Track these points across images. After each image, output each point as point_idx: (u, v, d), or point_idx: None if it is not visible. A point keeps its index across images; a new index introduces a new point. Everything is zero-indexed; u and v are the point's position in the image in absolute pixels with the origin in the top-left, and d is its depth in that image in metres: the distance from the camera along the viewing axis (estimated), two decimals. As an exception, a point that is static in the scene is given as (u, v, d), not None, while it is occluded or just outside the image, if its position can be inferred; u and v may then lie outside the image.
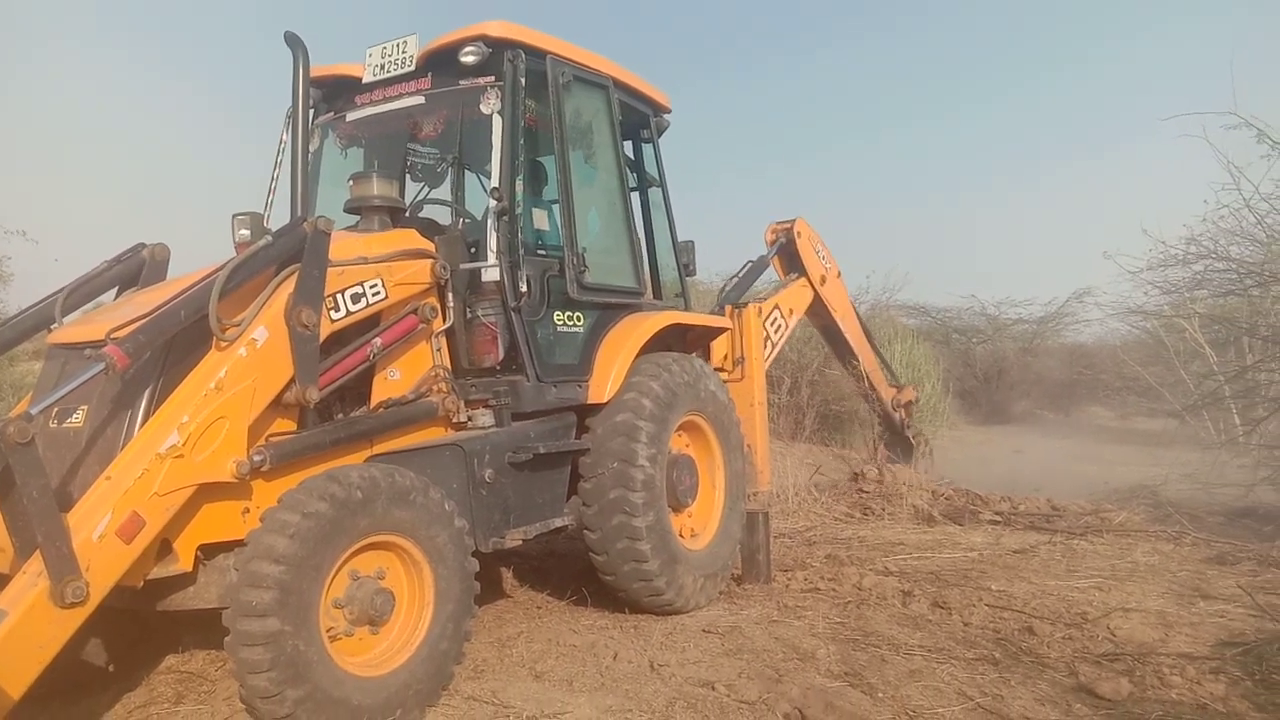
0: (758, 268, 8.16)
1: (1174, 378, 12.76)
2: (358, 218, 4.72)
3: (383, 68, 4.97)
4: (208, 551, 3.53)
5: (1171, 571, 6.01)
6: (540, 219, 5.07)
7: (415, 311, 4.31)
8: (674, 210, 6.14)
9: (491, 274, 4.52)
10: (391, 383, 4.32)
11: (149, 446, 3.21)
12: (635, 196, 5.95)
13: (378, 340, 4.11)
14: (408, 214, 5.12)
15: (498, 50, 4.68)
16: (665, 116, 6.17)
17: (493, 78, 4.69)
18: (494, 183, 4.61)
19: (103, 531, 3.01)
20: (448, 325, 4.54)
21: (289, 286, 3.66)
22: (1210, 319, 11.58)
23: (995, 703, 3.78)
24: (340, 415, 4.22)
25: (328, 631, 3.31)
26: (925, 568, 6.23)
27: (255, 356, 3.51)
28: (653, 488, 4.85)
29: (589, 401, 4.93)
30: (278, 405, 3.67)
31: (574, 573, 5.67)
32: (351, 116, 5.24)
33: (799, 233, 8.27)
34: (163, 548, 3.36)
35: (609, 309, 5.22)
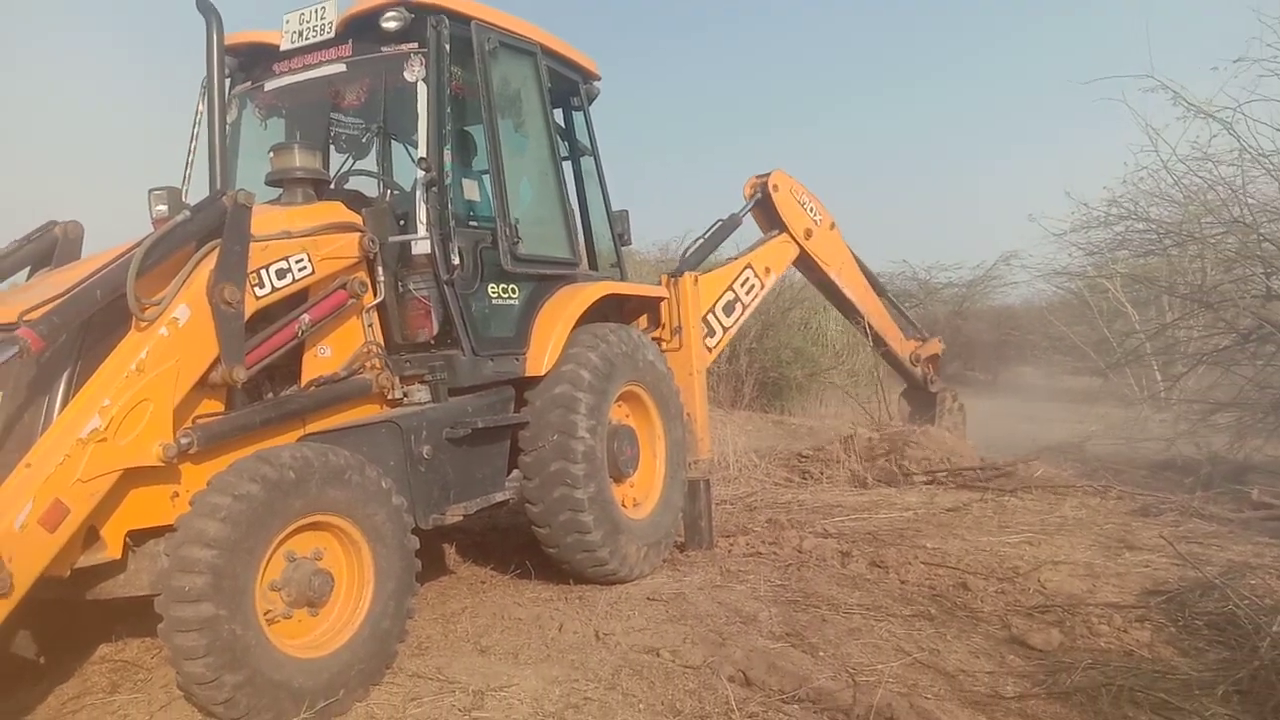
0: (728, 226, 7.78)
1: (1098, 336, 13.13)
2: (280, 191, 4.58)
3: (301, 34, 4.81)
4: (137, 538, 3.44)
5: (1098, 524, 6.22)
6: (470, 189, 4.99)
7: (344, 286, 4.21)
8: (608, 180, 6.09)
9: (422, 247, 4.44)
10: (322, 360, 4.22)
11: (69, 431, 3.10)
12: (568, 166, 5.88)
13: (306, 317, 4.01)
14: (333, 186, 4.99)
15: (420, 16, 4.55)
16: (595, 84, 6.09)
17: (416, 44, 4.57)
18: (421, 153, 4.50)
19: (24, 520, 2.91)
20: (379, 300, 4.45)
21: (210, 263, 3.55)
22: (1131, 278, 11.94)
23: (932, 657, 3.87)
24: (270, 395, 4.12)
25: (265, 614, 3.25)
26: (863, 529, 6.35)
27: (177, 336, 3.40)
28: (593, 459, 4.84)
29: (526, 374, 4.88)
30: (204, 386, 3.57)
31: (517, 546, 5.66)
32: (270, 86, 5.06)
33: (775, 186, 7.84)
34: (89, 535, 3.26)
35: (544, 280, 5.16)
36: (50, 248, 4.26)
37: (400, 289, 4.56)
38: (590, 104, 6.03)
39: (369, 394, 4.36)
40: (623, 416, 5.45)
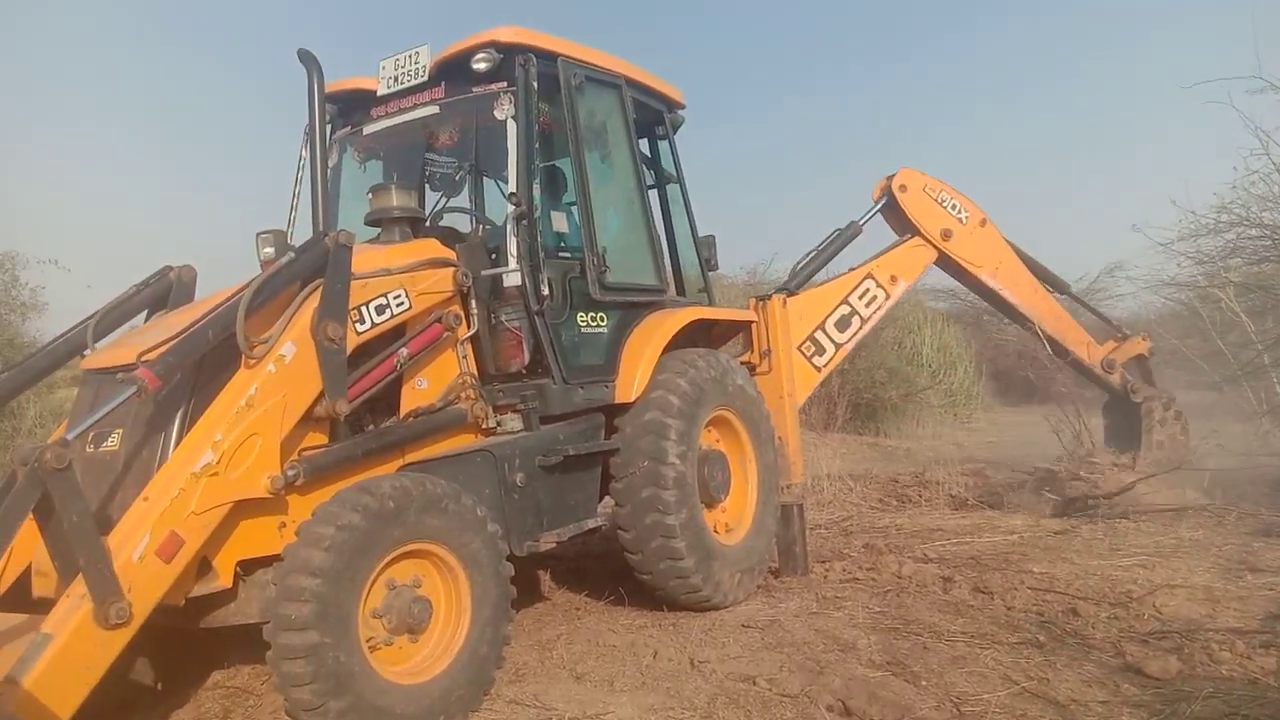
0: (846, 235, 7.19)
1: (1212, 349, 12.51)
2: (379, 230, 4.75)
3: (396, 79, 5.00)
4: (247, 567, 3.58)
5: (1217, 546, 5.92)
6: (559, 221, 5.07)
7: (440, 320, 4.32)
8: (694, 206, 6.11)
9: (513, 279, 4.53)
10: (420, 392, 4.34)
11: (184, 466, 3.25)
12: (654, 194, 5.93)
13: (404, 350, 4.13)
14: (428, 223, 5.15)
15: (509, 55, 4.69)
16: (680, 112, 6.14)
17: (505, 83, 4.70)
18: (511, 188, 4.62)
19: (143, 552, 3.05)
20: (472, 332, 4.56)
21: (314, 301, 3.69)
22: (1245, 287, 11.35)
23: (1041, 686, 3.73)
24: (371, 426, 4.25)
25: (367, 641, 3.34)
26: (965, 553, 6.18)
27: (284, 372, 3.55)
28: (684, 485, 4.84)
29: (616, 401, 4.92)
30: (309, 419, 3.71)
31: (611, 572, 5.67)
32: (368, 130, 5.27)
33: (902, 186, 7.23)
34: (202, 565, 3.40)
35: (632, 308, 5.21)
36: (165, 291, 4.52)
37: (493, 321, 4.66)
38: (675, 132, 6.08)
39: (464, 424, 4.46)
40: (713, 441, 5.44)
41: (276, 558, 3.35)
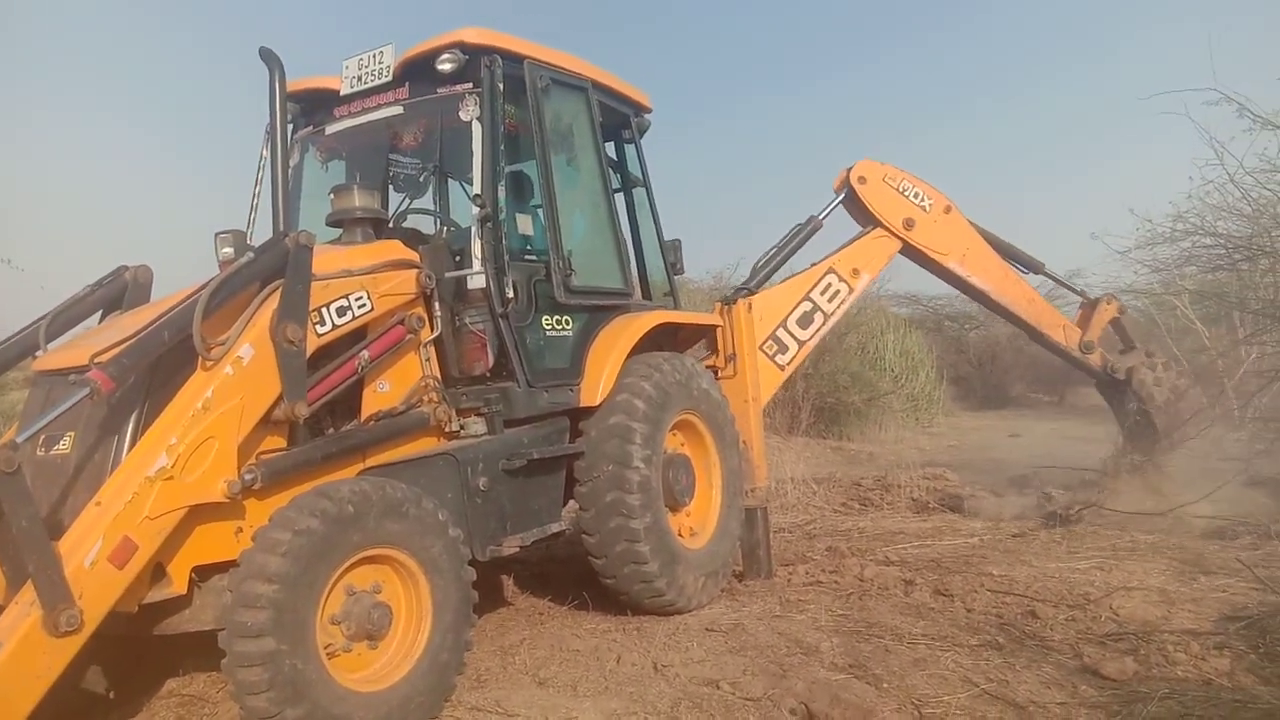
0: (806, 230, 7.09)
1: (1167, 355, 12.76)
2: (341, 231, 4.70)
3: (360, 79, 4.95)
4: (202, 573, 3.51)
5: (1171, 548, 6.02)
6: (524, 224, 5.04)
7: (402, 322, 4.28)
8: (665, 209, 6.12)
9: (477, 281, 4.50)
10: (381, 395, 4.30)
11: (138, 470, 3.19)
12: (620, 197, 5.93)
13: (365, 353, 4.09)
14: (391, 225, 5.10)
15: (474, 57, 4.66)
16: (646, 116, 6.15)
17: (470, 84, 4.67)
18: (476, 190, 4.59)
19: (94, 558, 2.99)
20: (436, 335, 4.52)
21: (273, 303, 3.64)
22: (1200, 295, 11.59)
23: (1000, 688, 3.76)
24: (331, 430, 4.20)
25: (325, 648, 3.29)
26: (926, 556, 6.23)
27: (242, 374, 3.49)
28: (649, 489, 4.84)
29: (581, 405, 4.91)
30: (267, 423, 3.65)
31: (575, 577, 5.65)
32: (331, 129, 5.22)
33: (861, 177, 7.11)
34: (156, 571, 3.34)
35: (598, 311, 5.20)
36: (121, 292, 4.42)
37: (456, 323, 4.63)
38: (641, 136, 6.08)
39: (427, 427, 4.42)
40: (678, 445, 5.44)
41: (233, 563, 3.29)
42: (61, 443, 3.45)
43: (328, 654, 3.29)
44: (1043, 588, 5.13)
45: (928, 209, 7.34)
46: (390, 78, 4.86)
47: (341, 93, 5.03)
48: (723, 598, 5.41)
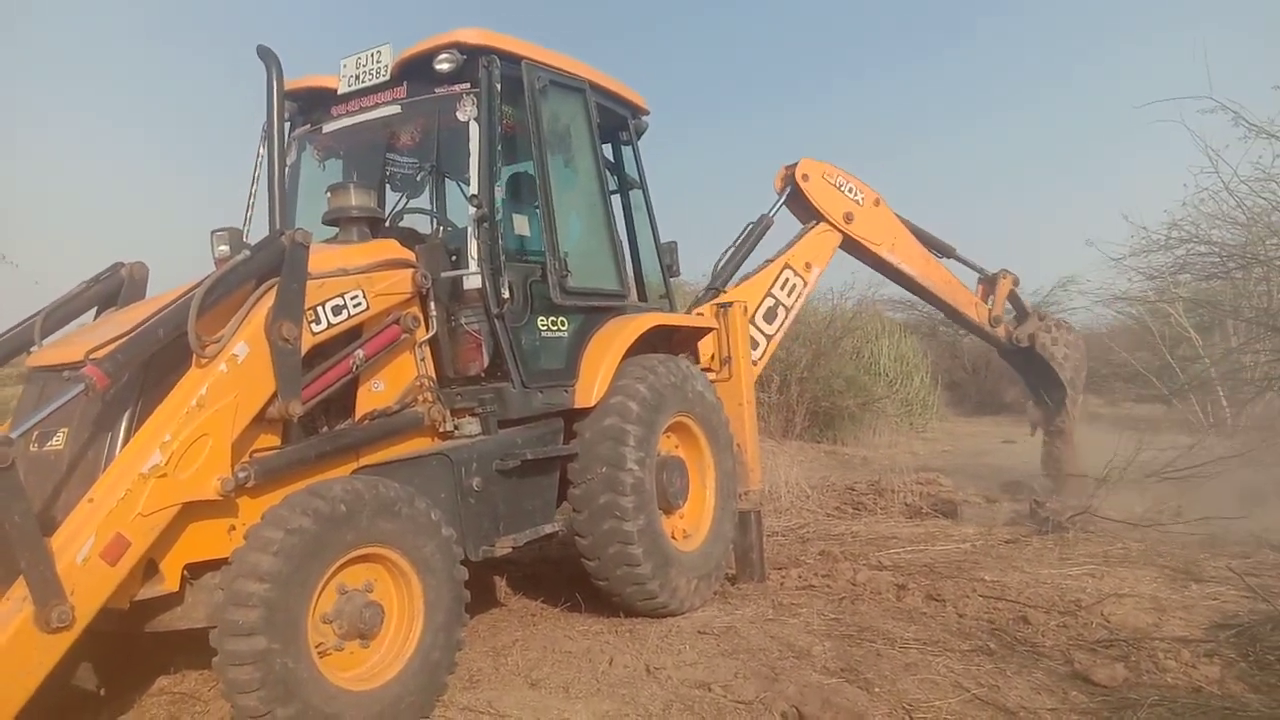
0: (759, 228, 7.38)
1: (1161, 363, 12.81)
2: (337, 230, 4.69)
3: (357, 78, 4.95)
4: (194, 571, 3.50)
5: (1163, 556, 6.04)
6: (521, 224, 5.05)
7: (398, 321, 4.28)
8: (656, 211, 6.13)
9: (473, 281, 4.51)
10: (376, 394, 4.29)
11: (131, 466, 3.18)
12: (616, 199, 5.93)
13: (360, 352, 4.09)
14: (387, 224, 5.10)
15: (472, 57, 4.66)
16: (644, 118, 6.16)
17: (468, 84, 4.67)
18: (473, 190, 4.59)
19: (87, 554, 2.98)
20: (431, 334, 4.52)
21: (269, 301, 3.63)
22: (1195, 303, 11.65)
23: (992, 693, 3.77)
24: (325, 428, 4.19)
25: (317, 647, 3.29)
26: (918, 561, 6.24)
27: (236, 372, 3.48)
28: (642, 491, 4.84)
29: (576, 406, 4.91)
30: (261, 421, 3.64)
31: (567, 578, 5.65)
32: (328, 128, 5.21)
33: (804, 175, 7.40)
34: (149, 568, 3.33)
35: (593, 313, 5.20)
36: (117, 288, 4.42)
37: (452, 323, 4.63)
38: (639, 138, 6.09)
39: (421, 427, 4.41)
40: (672, 448, 5.44)
41: (225, 561, 3.29)
42: (55, 439, 3.44)
43: (319, 653, 3.29)
44: (1035, 594, 5.14)
45: (860, 202, 7.74)
46: (388, 77, 4.86)
47: (339, 91, 5.03)
48: (715, 600, 5.41)
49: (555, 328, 4.94)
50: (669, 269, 6.21)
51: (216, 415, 3.40)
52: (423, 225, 5.36)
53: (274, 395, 3.60)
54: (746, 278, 7.20)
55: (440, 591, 3.68)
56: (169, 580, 3.38)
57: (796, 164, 7.49)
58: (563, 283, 4.83)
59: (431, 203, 5.61)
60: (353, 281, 4.10)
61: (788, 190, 7.53)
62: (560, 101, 5.22)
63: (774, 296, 7.15)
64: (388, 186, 5.51)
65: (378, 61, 4.89)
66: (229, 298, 3.61)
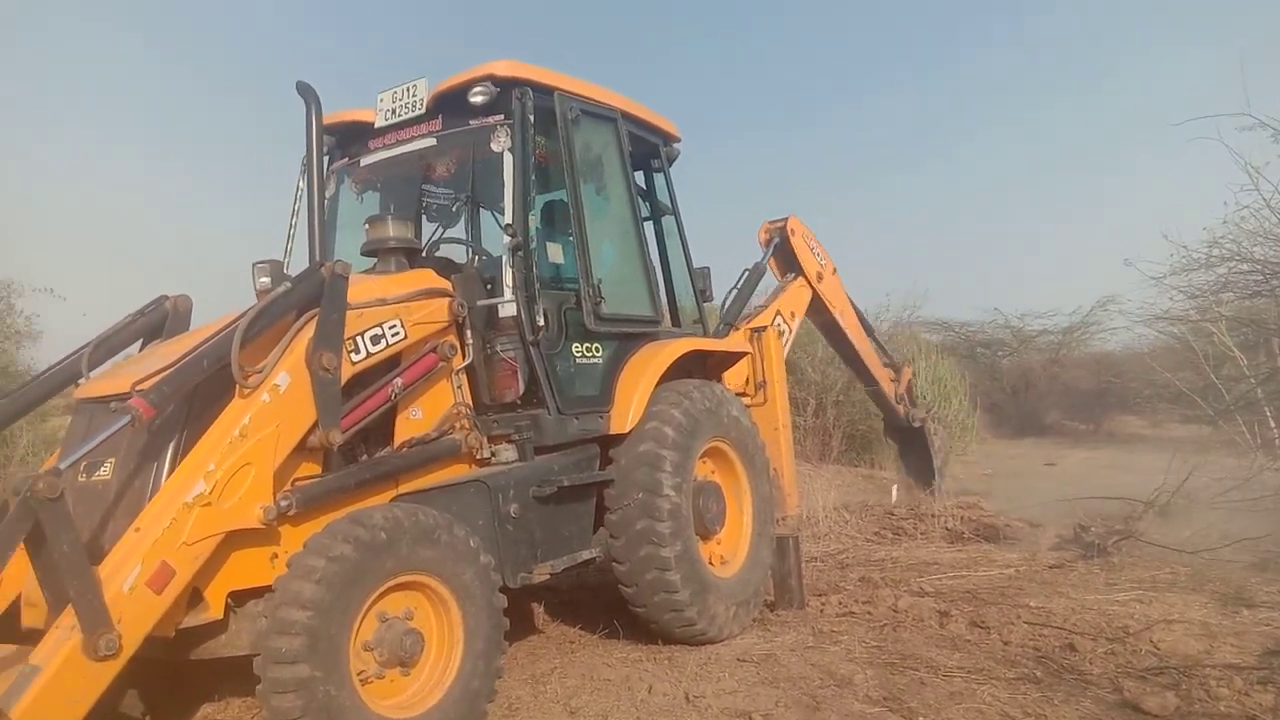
0: (755, 274, 7.91)
1: (1205, 382, 12.56)
2: (375, 260, 4.77)
3: (394, 112, 5.04)
4: (238, 598, 3.55)
5: (1213, 581, 5.89)
6: (555, 253, 5.09)
7: (435, 350, 4.32)
8: (690, 237, 6.15)
9: (508, 309, 4.55)
10: (414, 422, 4.33)
11: (176, 496, 3.23)
12: (649, 226, 5.96)
13: (399, 380, 4.13)
14: (424, 254, 5.16)
15: (506, 89, 4.73)
16: (675, 145, 6.20)
17: (502, 116, 4.74)
18: (507, 219, 4.64)
19: (133, 583, 3.03)
20: (467, 362, 4.57)
21: (309, 331, 3.69)
22: (1238, 321, 11.42)
23: (1038, 722, 3.70)
24: (365, 456, 4.23)
25: (359, 675, 3.30)
26: (961, 587, 6.14)
27: (278, 402, 3.54)
28: (679, 517, 4.82)
29: (611, 432, 4.92)
30: (302, 449, 3.69)
31: (605, 605, 5.63)
32: (365, 161, 5.30)
33: (793, 230, 8.07)
34: (193, 597, 3.38)
35: (627, 339, 5.22)
36: (161, 321, 4.52)
37: (488, 351, 4.67)
38: (670, 165, 6.13)
39: (459, 454, 4.44)
40: (708, 473, 5.42)
41: (268, 589, 3.32)
42: (102, 469, 3.51)
43: (361, 680, 3.31)
44: (1081, 620, 5.04)
45: (824, 267, 8.41)
46: (423, 110, 4.94)
47: (376, 125, 5.13)
48: (754, 628, 5.36)
49: (590, 354, 4.97)
50: (702, 294, 6.22)
51: (259, 445, 3.45)
52: (459, 255, 5.42)
53: (315, 424, 3.65)
54: (748, 318, 7.50)
55: (479, 619, 3.68)
56: (213, 608, 3.43)
57: (785, 220, 8.10)
58: (597, 309, 4.86)
59: (467, 232, 5.68)
60: (391, 311, 4.16)
61: (775, 242, 8.09)
62: (592, 131, 5.27)
63: None
64: (424, 217, 5.59)
65: (413, 95, 4.97)
66: (271, 329, 3.68)
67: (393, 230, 4.69)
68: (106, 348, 4.37)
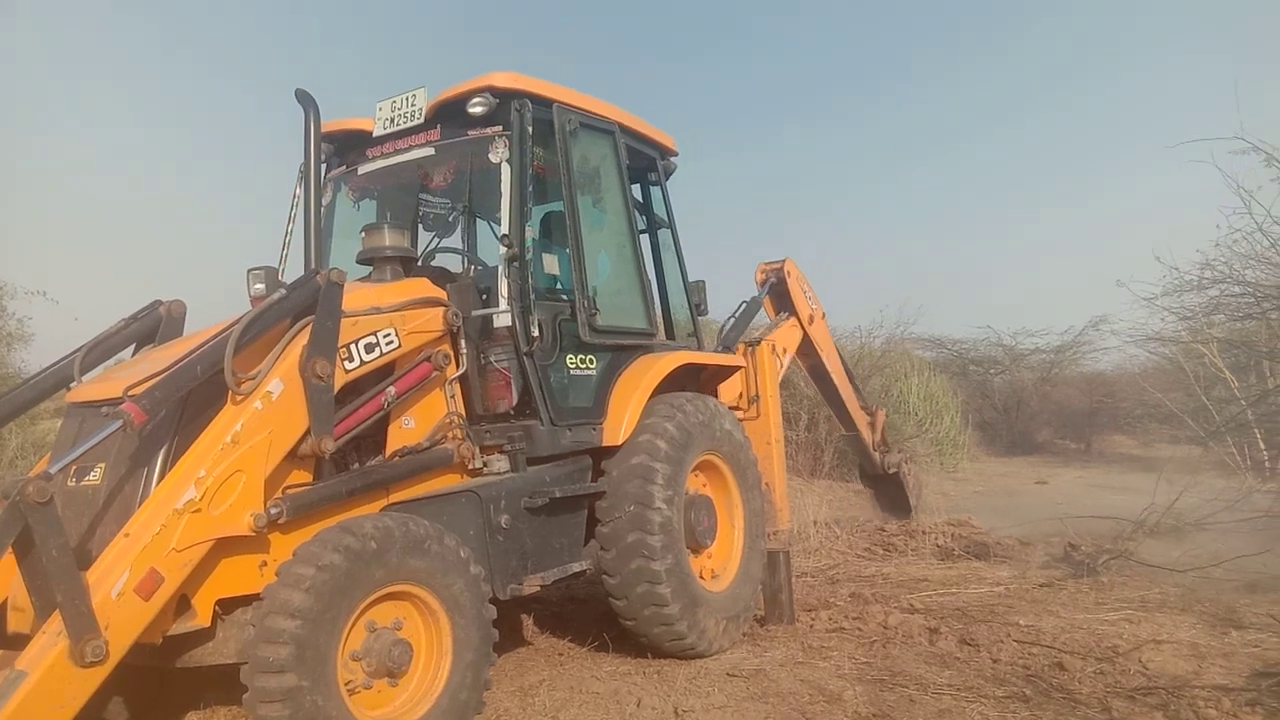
0: (752, 308, 8.12)
1: (1195, 404, 12.62)
2: (371, 268, 4.77)
3: (392, 121, 5.05)
4: (226, 606, 3.53)
5: (1202, 601, 5.90)
6: (551, 264, 5.10)
7: (429, 359, 4.32)
8: (684, 250, 6.17)
9: (503, 319, 4.55)
10: (406, 431, 4.33)
11: (166, 502, 3.22)
12: (645, 238, 5.98)
13: (392, 389, 4.13)
14: (419, 263, 5.17)
15: (504, 100, 4.75)
16: (672, 159, 6.23)
17: (500, 127, 4.75)
18: (504, 230, 4.65)
19: (121, 589, 3.01)
20: (461, 372, 4.56)
21: (303, 338, 3.69)
22: (1229, 343, 11.49)
23: (1027, 741, 3.69)
24: (356, 465, 4.23)
25: (346, 685, 3.29)
26: (951, 604, 6.14)
27: (271, 409, 3.53)
28: (670, 530, 4.82)
29: (604, 444, 4.91)
30: (294, 457, 3.68)
31: (595, 618, 5.62)
32: (363, 169, 5.31)
33: (789, 272, 8.30)
34: (181, 604, 3.36)
35: (621, 351, 5.22)
36: (155, 325, 4.51)
37: (482, 361, 4.67)
38: (668, 179, 6.15)
39: (450, 464, 4.44)
40: (700, 486, 5.42)
41: (256, 597, 3.31)
42: (92, 474, 3.49)
43: (348, 690, 3.30)
44: (1070, 639, 5.04)
45: (815, 310, 8.60)
46: (422, 120, 4.96)
47: (374, 134, 5.14)
48: (744, 642, 5.35)
49: (584, 366, 4.97)
50: (697, 307, 6.24)
51: (251, 452, 3.44)
52: (454, 264, 5.43)
53: (307, 432, 3.64)
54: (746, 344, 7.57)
55: (469, 630, 3.67)
56: (201, 616, 3.41)
57: (782, 262, 8.31)
58: (591, 321, 4.87)
59: (463, 242, 5.70)
60: (385, 320, 4.16)
61: (770, 281, 8.31)
62: (590, 143, 5.29)
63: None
64: (420, 226, 5.60)
65: (412, 105, 4.99)
66: (265, 335, 3.67)
67: (389, 239, 4.70)
68: (99, 351, 4.35)
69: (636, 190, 5.98)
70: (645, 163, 5.97)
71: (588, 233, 5.03)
